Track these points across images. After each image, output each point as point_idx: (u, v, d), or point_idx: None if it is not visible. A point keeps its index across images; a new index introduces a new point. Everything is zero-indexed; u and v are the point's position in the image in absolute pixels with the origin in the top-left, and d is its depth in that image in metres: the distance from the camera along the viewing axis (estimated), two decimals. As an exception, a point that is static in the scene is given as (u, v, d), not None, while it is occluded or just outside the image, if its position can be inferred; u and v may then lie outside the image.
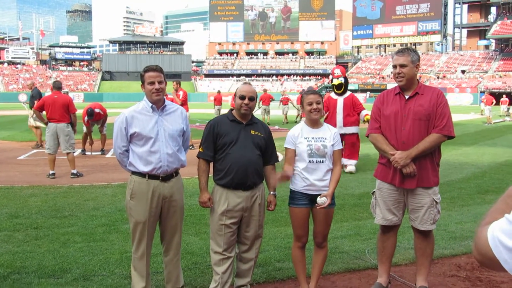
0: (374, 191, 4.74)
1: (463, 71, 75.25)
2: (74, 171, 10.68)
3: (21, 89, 74.20)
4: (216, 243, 4.33)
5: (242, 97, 4.30)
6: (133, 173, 4.32)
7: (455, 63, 79.03)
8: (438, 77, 74.73)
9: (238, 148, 4.26)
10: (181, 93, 15.29)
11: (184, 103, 14.53)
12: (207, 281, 4.72)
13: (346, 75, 12.15)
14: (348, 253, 5.77)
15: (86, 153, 14.45)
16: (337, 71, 11.55)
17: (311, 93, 4.42)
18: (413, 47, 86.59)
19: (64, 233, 6.50)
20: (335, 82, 11.32)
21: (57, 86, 11.01)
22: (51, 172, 10.57)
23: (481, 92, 39.60)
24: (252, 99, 4.33)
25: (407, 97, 4.45)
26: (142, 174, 4.26)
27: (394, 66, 4.47)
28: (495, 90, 56.40)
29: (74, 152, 10.90)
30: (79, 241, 6.15)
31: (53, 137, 10.57)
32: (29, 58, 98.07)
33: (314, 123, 4.43)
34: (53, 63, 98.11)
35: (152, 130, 4.24)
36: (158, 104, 4.31)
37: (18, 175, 10.96)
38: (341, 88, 11.24)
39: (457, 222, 7.06)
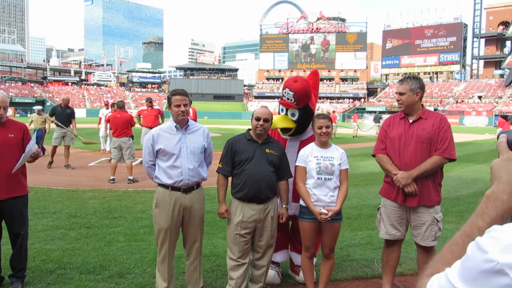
0: (379, 207, 4.35)
1: (479, 97, 72.41)
2: (131, 177, 10.62)
3: (103, 106, 76.39)
4: (231, 251, 4.05)
5: (258, 119, 4.02)
6: (159, 184, 4.10)
7: (472, 90, 76.16)
8: (457, 102, 72.20)
9: (253, 164, 3.98)
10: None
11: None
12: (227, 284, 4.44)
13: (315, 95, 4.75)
14: (358, 261, 5.36)
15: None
16: (289, 93, 4.29)
17: (322, 118, 4.09)
18: (435, 75, 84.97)
19: (111, 232, 6.34)
20: (278, 119, 4.41)
21: (120, 106, 11.04)
22: (111, 177, 10.56)
23: (495, 115, 37.76)
24: (267, 120, 4.04)
25: (411, 121, 4.08)
26: (165, 186, 4.03)
27: (396, 93, 4.13)
28: (509, 114, 53.85)
29: (133, 162, 10.84)
30: (122, 240, 5.96)
31: (117, 149, 10.70)
32: (110, 81, 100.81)
33: (323, 144, 4.09)
34: (130, 85, 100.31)
35: (175, 147, 4.00)
36: (182, 124, 4.07)
37: (85, 179, 10.96)
38: (290, 131, 4.49)
39: (464, 235, 6.50)
